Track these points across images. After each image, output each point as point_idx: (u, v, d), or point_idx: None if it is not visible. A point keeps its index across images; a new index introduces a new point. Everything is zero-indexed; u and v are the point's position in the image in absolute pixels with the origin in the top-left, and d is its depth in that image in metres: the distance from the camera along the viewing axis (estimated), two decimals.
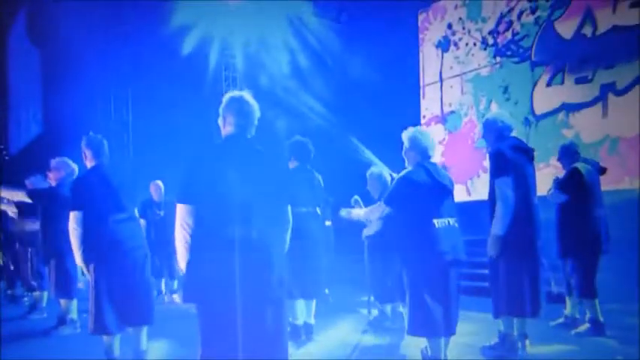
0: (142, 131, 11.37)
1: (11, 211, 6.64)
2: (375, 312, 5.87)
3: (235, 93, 2.88)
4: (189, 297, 2.70)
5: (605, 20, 8.55)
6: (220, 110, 2.83)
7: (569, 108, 8.92)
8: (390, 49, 11.25)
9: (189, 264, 2.69)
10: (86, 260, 3.94)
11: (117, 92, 11.69)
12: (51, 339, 5.47)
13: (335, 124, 11.52)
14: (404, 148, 3.94)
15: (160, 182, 7.86)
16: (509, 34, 10.14)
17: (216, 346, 2.59)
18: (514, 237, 4.03)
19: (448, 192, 3.80)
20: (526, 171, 4.21)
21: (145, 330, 4.10)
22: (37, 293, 6.76)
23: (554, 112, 9.14)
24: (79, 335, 5.54)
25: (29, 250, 6.70)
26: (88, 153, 4.17)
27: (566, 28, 9.11)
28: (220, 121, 2.85)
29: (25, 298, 7.82)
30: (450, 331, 3.70)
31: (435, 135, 11.34)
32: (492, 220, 4.08)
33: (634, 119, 7.97)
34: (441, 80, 11.48)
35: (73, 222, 3.93)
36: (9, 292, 8.14)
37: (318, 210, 5.10)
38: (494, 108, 10.14)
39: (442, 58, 11.51)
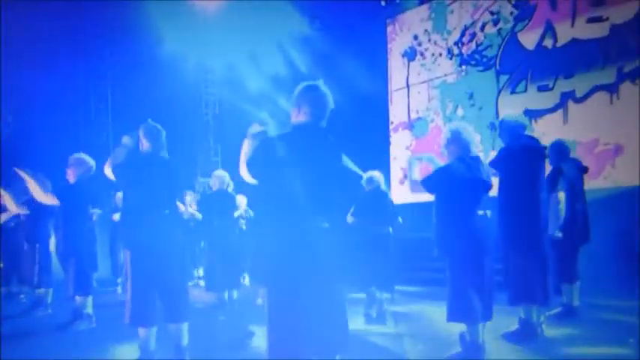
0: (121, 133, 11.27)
1: (20, 209, 6.59)
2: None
3: (311, 83, 2.87)
4: (259, 280, 2.78)
5: (565, 33, 9.17)
6: (294, 99, 2.84)
7: (531, 114, 9.47)
8: (360, 56, 11.59)
9: (258, 248, 2.75)
10: (124, 246, 3.98)
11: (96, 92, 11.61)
12: (67, 334, 5.48)
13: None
14: (445, 140, 4.08)
15: None
16: (473, 45, 10.66)
17: (283, 329, 2.63)
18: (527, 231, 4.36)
19: (487, 186, 3.98)
20: (535, 169, 4.49)
21: (186, 326, 4.05)
22: (42, 290, 6.69)
23: None
24: (95, 330, 5.59)
25: (36, 246, 6.63)
26: (145, 142, 4.09)
27: (528, 40, 9.70)
28: (294, 110, 2.85)
29: (22, 295, 7.78)
30: (487, 316, 3.90)
31: (401, 141, 11.87)
32: None
33: (591, 125, 8.57)
34: (408, 87, 11.90)
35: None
36: (3, 289, 8.02)
37: None
38: (460, 113, 10.63)
39: (408, 66, 11.94)
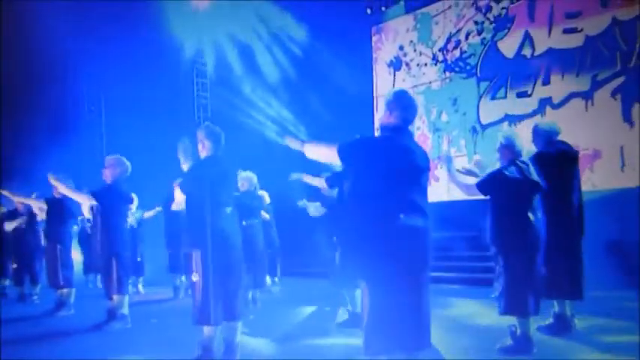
0: (115, 133, 11.49)
1: (41, 210, 6.74)
2: None
3: (402, 89, 3.18)
4: (357, 275, 2.97)
5: (542, 43, 9.68)
6: (386, 103, 3.06)
7: (511, 119, 9.96)
8: (344, 63, 11.95)
9: (352, 246, 2.99)
10: (189, 246, 4.04)
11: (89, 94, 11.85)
12: (102, 334, 5.49)
13: (292, 132, 12.11)
14: (499, 145, 4.35)
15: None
16: (457, 52, 11.12)
17: (381, 323, 2.79)
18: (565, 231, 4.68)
19: (539, 187, 4.24)
20: (570, 172, 4.81)
21: (240, 324, 4.15)
22: (65, 290, 6.73)
23: (498, 121, 10.17)
24: (130, 330, 5.62)
25: (58, 247, 6.69)
26: (207, 143, 4.16)
27: (508, 48, 10.19)
28: (385, 113, 3.06)
29: (35, 296, 7.90)
30: (536, 310, 4.18)
31: None
32: None
33: (568, 130, 9.00)
34: None
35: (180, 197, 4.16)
36: (18, 290, 8.15)
37: None
38: (445, 118, 11.08)
39: (394, 75, 12.35)
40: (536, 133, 5.03)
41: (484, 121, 10.43)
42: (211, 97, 13.25)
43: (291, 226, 8.93)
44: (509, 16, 10.20)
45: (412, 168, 2.96)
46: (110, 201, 5.65)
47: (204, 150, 4.18)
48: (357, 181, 3.01)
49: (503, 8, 10.29)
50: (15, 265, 8.06)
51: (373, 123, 12.64)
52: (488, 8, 10.50)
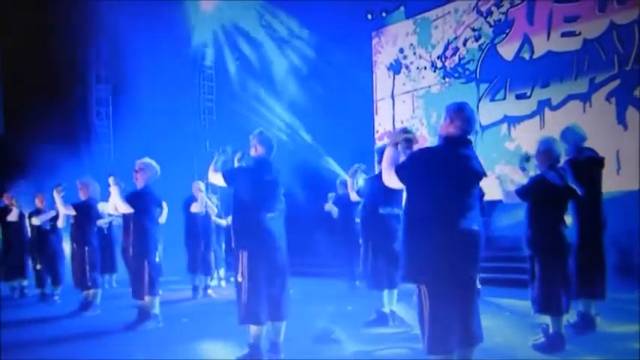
0: (123, 137, 11.57)
1: (70, 212, 6.78)
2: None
3: (464, 102, 3.29)
4: (416, 278, 3.08)
5: (541, 46, 9.85)
6: (447, 113, 3.22)
7: (510, 120, 10.11)
8: (345, 66, 12.12)
9: (416, 249, 3.07)
10: (237, 247, 4.13)
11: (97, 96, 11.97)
12: (135, 333, 5.58)
13: (295, 134, 12.27)
14: (537, 151, 4.47)
15: (201, 182, 8.05)
16: (456, 59, 11.28)
17: (441, 323, 2.97)
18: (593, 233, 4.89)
19: (575, 194, 4.39)
20: (598, 178, 5.02)
21: (284, 324, 4.24)
22: (91, 291, 6.83)
23: (497, 123, 10.32)
24: (161, 329, 5.73)
25: (85, 249, 6.77)
26: (259, 148, 4.28)
27: (507, 51, 10.36)
28: (445, 122, 3.23)
29: (56, 297, 7.98)
30: (568, 309, 4.38)
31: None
32: None
33: None
34: (393, 98, 12.46)
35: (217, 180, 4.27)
36: (39, 290, 8.23)
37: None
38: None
39: (394, 78, 12.51)
40: (568, 133, 5.16)
41: (484, 122, 10.57)
42: (217, 100, 13.47)
43: (296, 227, 9.04)
44: (509, 20, 10.37)
45: (472, 175, 3.16)
46: (143, 204, 5.72)
47: (256, 154, 4.30)
48: (420, 187, 3.14)
49: (502, 13, 10.46)
50: (39, 267, 8.10)
51: (373, 125, 12.82)
52: (489, 12, 10.67)
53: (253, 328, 4.07)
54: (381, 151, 5.24)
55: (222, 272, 8.94)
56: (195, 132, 13.17)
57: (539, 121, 9.73)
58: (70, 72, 10.81)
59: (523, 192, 4.39)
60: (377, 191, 5.32)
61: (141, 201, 5.74)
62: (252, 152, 4.32)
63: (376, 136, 12.77)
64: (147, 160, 5.87)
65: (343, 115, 11.91)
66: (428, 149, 3.29)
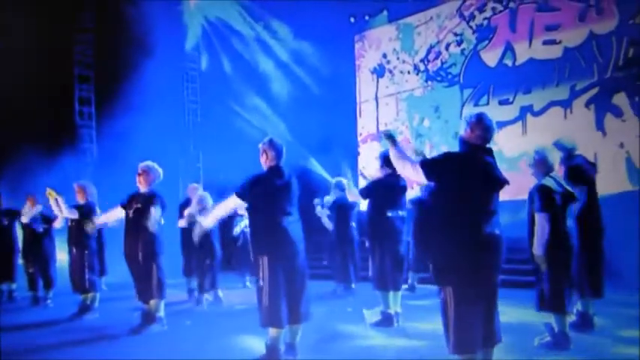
0: (106, 138, 11.43)
1: (73, 216, 6.70)
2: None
3: (483, 112, 3.47)
4: (445, 282, 3.20)
5: (523, 53, 10.16)
6: (467, 123, 3.40)
7: None
8: (327, 69, 12.23)
9: (442, 251, 3.22)
10: (257, 253, 4.20)
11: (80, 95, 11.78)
12: (140, 337, 5.58)
13: (276, 134, 12.29)
14: (533, 160, 4.69)
15: (197, 185, 7.98)
16: (438, 62, 11.52)
17: (467, 324, 3.12)
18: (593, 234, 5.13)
19: (574, 198, 4.62)
20: (591, 183, 5.24)
21: (301, 327, 4.33)
22: (89, 294, 6.79)
23: None
24: (167, 333, 5.71)
25: (85, 252, 6.73)
26: (270, 154, 4.35)
27: (490, 57, 10.64)
28: (466, 131, 3.40)
29: (49, 300, 7.88)
30: (572, 309, 4.60)
31: (370, 152, 12.54)
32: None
33: (548, 137, 9.46)
34: (377, 100, 12.63)
35: (233, 202, 4.37)
36: (31, 293, 8.12)
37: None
38: (427, 125, 11.46)
39: (377, 81, 12.68)
40: (559, 148, 5.33)
41: None
42: (201, 101, 13.42)
43: None
44: (492, 27, 10.64)
45: (493, 181, 3.30)
46: (148, 207, 5.68)
47: (267, 161, 4.38)
48: (447, 188, 3.28)
49: (485, 18, 10.73)
50: (32, 270, 7.98)
51: (356, 127, 12.97)
52: (472, 16, 10.93)
53: (273, 330, 4.16)
54: (383, 156, 5.55)
55: None
56: (180, 133, 13.09)
57: (522, 126, 10.03)
58: (51, 71, 10.55)
59: (542, 207, 4.54)
60: (382, 194, 5.57)
61: (148, 203, 5.72)
62: (263, 159, 4.40)
63: (359, 138, 12.92)
64: (149, 163, 5.88)
65: (327, 116, 12.00)
66: (455, 152, 3.42)
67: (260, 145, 4.43)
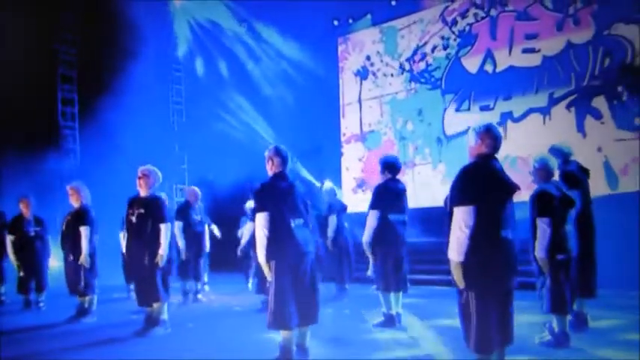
0: (90, 140, 11.39)
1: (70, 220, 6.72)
2: None
3: (491, 123, 3.63)
4: (471, 285, 3.35)
5: (503, 60, 10.46)
6: (477, 133, 3.52)
7: None
8: (313, 70, 12.38)
9: (469, 257, 3.34)
10: (268, 258, 4.25)
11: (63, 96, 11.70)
12: (145, 339, 5.59)
13: (259, 137, 12.44)
14: (533, 168, 4.92)
15: (196, 188, 8.03)
16: (423, 64, 11.74)
17: (488, 326, 3.28)
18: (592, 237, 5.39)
19: (573, 203, 4.83)
20: (586, 187, 5.48)
21: (308, 329, 4.41)
22: (87, 298, 6.81)
23: (462, 133, 10.83)
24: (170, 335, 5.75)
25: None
26: (275, 160, 4.44)
27: (471, 64, 10.91)
28: (477, 142, 3.51)
29: (42, 304, 7.90)
30: (572, 309, 4.80)
31: (354, 153, 12.75)
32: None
33: (528, 142, 9.79)
34: (360, 102, 12.82)
35: (262, 222, 4.21)
36: (23, 297, 8.05)
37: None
38: (410, 128, 11.69)
39: (361, 84, 12.86)
40: (554, 153, 5.51)
41: (449, 132, 11.13)
42: (186, 102, 13.45)
43: None
44: (473, 34, 10.91)
45: (508, 187, 3.48)
46: (152, 211, 5.72)
47: (273, 167, 4.47)
48: (467, 200, 3.41)
49: (467, 24, 10.99)
50: (22, 274, 7.92)
51: (339, 129, 13.14)
52: (454, 22, 11.18)
53: (284, 332, 4.26)
54: (384, 163, 5.92)
55: (205, 277, 9.05)
56: (165, 134, 13.10)
57: (502, 132, 10.27)
58: (34, 71, 10.47)
59: (543, 212, 4.73)
60: (385, 199, 5.78)
61: (152, 206, 5.75)
62: (269, 166, 4.50)
63: (343, 139, 13.09)
64: (149, 166, 5.91)
65: (310, 118, 12.15)
66: (470, 165, 3.55)
67: (266, 153, 4.53)
